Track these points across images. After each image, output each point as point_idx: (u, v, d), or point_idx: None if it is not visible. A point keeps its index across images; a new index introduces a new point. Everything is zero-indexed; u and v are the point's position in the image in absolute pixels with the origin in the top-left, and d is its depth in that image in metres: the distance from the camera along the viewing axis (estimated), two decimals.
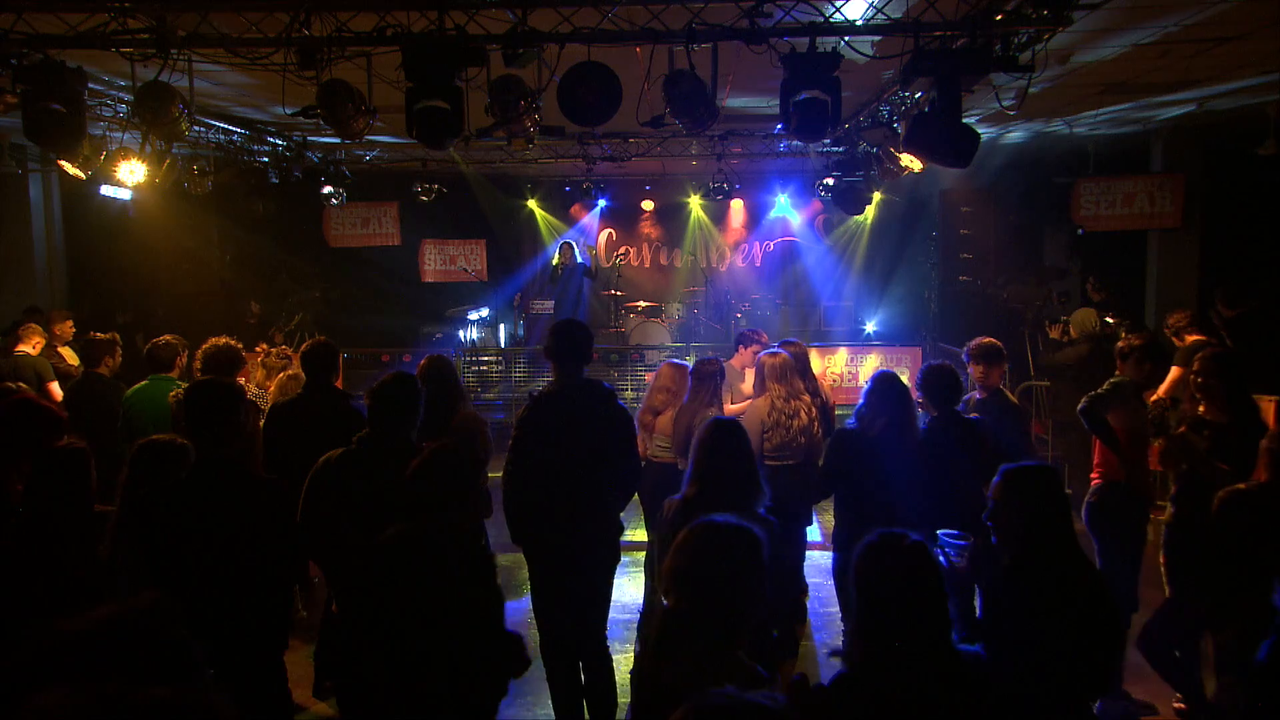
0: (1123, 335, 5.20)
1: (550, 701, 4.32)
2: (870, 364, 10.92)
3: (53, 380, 7.11)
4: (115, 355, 6.27)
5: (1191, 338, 6.74)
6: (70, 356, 7.63)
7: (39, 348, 7.26)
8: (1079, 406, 4.77)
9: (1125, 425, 4.73)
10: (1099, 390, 4.77)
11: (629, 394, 11.35)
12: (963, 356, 5.46)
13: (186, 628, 1.26)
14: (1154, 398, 5.68)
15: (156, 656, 1.15)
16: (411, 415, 3.58)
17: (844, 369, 10.99)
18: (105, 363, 6.17)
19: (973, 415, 4.77)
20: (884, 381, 4.46)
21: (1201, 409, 4.49)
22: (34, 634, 1.13)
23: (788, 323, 13.73)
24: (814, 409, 5.20)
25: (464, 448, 3.49)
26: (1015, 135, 11.02)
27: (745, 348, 6.30)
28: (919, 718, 2.20)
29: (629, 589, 6.34)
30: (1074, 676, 2.68)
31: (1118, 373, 5.00)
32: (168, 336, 5.85)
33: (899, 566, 2.26)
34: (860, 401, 4.52)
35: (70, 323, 7.94)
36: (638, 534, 7.59)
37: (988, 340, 5.36)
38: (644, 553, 7.15)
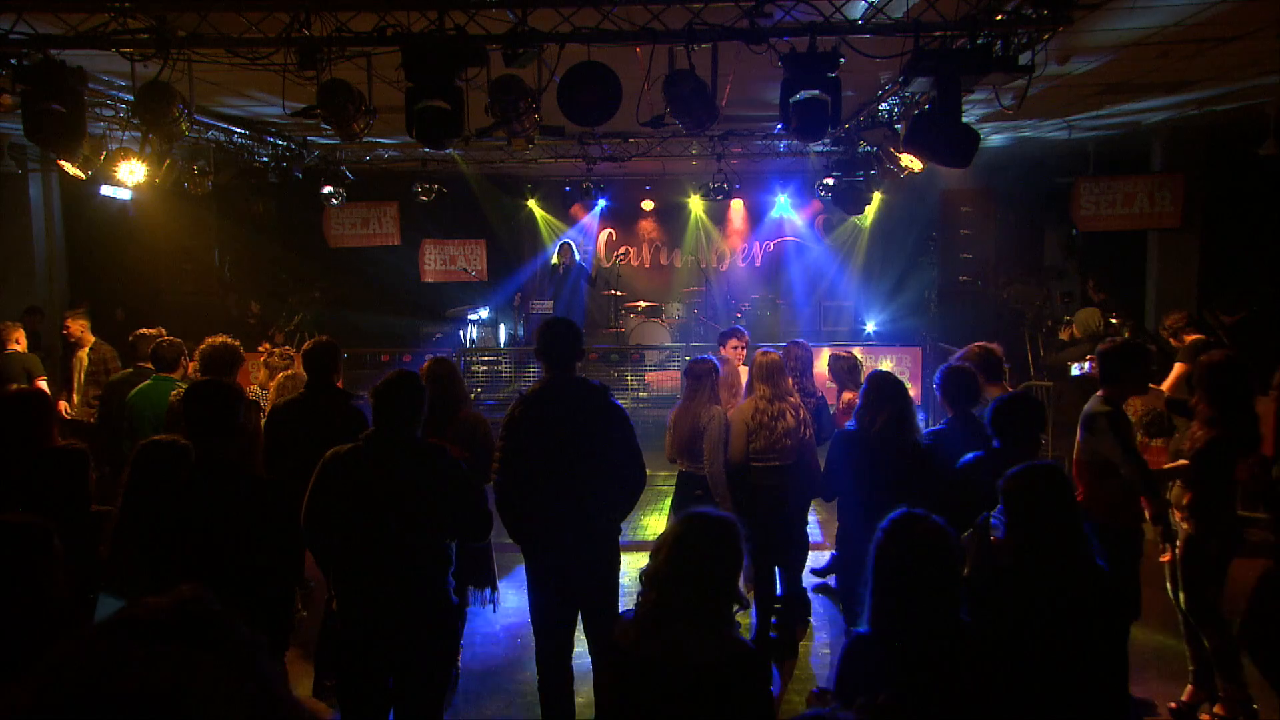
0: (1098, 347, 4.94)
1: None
2: (869, 364, 10.92)
3: (41, 376, 7.10)
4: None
5: (1190, 337, 6.74)
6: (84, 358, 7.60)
7: (24, 343, 7.26)
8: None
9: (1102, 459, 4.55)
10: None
11: (628, 394, 11.36)
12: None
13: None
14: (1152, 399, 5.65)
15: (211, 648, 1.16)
16: (417, 412, 3.59)
17: None
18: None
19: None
20: (879, 380, 4.46)
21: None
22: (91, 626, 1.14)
23: (788, 323, 13.73)
24: (803, 410, 5.16)
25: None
26: (1015, 135, 11.02)
27: (727, 342, 6.37)
28: (927, 674, 2.38)
29: (628, 590, 6.34)
30: (1080, 674, 2.68)
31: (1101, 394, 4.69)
32: (170, 336, 5.85)
33: (918, 541, 2.45)
34: (858, 403, 4.51)
35: (84, 321, 7.84)
36: (634, 535, 7.61)
37: (980, 348, 5.13)
38: (640, 554, 7.17)
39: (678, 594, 2.39)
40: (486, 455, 4.67)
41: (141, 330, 6.26)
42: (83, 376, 7.48)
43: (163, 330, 6.22)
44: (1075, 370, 6.11)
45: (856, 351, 6.56)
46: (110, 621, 1.12)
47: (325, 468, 3.49)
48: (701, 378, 5.21)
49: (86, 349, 7.54)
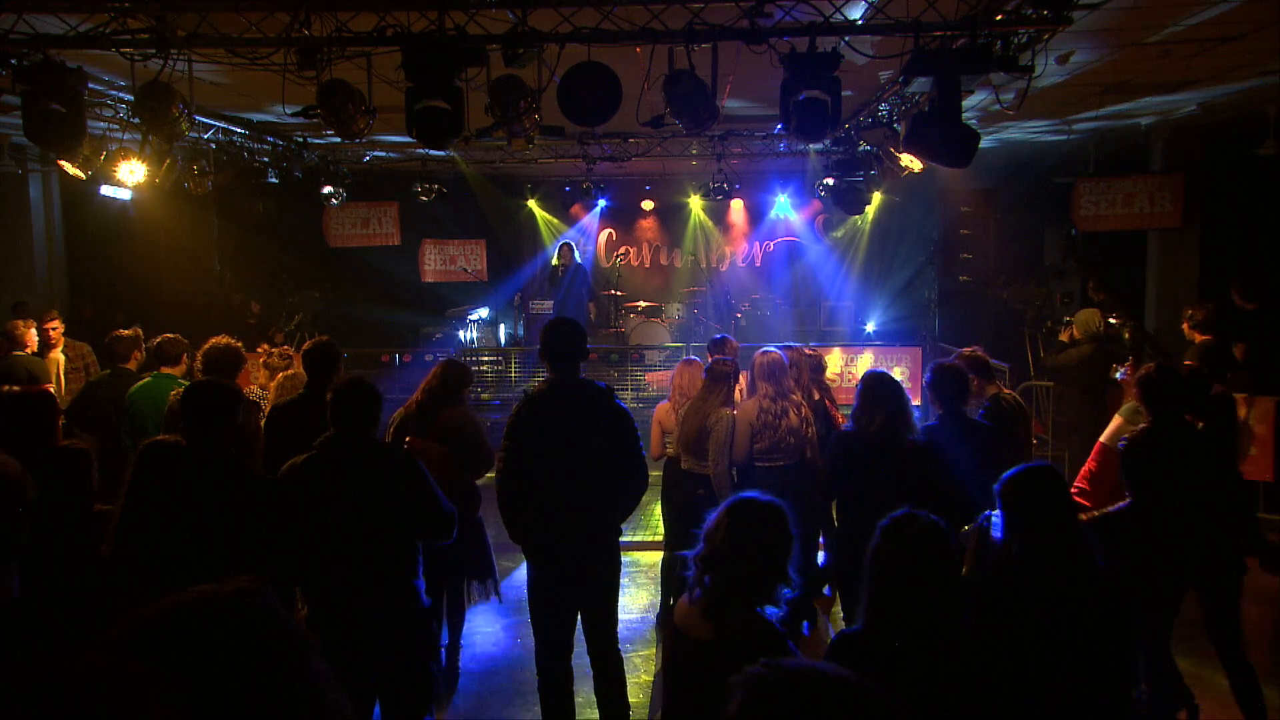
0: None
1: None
2: (868, 363, 10.93)
3: (49, 382, 7.10)
4: (141, 350, 6.25)
5: (1200, 338, 6.69)
6: (57, 357, 7.63)
7: (35, 344, 7.26)
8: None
9: None
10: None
11: (628, 394, 11.35)
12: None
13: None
14: None
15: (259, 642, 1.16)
16: (372, 416, 3.61)
17: (843, 369, 10.99)
18: (134, 358, 6.14)
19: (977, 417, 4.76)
20: (875, 380, 4.46)
21: None
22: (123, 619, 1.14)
23: (788, 323, 13.73)
24: (805, 409, 5.16)
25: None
26: (1015, 135, 11.03)
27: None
28: (922, 674, 2.35)
29: (629, 590, 6.34)
30: (1080, 674, 2.69)
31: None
32: (170, 334, 5.86)
33: (914, 541, 2.44)
34: (855, 403, 4.51)
35: (59, 321, 7.87)
36: (634, 535, 7.61)
37: (967, 354, 5.20)
38: (640, 554, 7.18)
39: (727, 574, 2.51)
40: (470, 449, 4.67)
41: (117, 332, 6.29)
42: (64, 375, 7.53)
43: (139, 330, 6.28)
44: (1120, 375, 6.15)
45: (829, 354, 6.51)
46: (132, 621, 1.12)
47: (284, 477, 3.50)
48: (719, 380, 5.21)
49: (59, 348, 7.58)
